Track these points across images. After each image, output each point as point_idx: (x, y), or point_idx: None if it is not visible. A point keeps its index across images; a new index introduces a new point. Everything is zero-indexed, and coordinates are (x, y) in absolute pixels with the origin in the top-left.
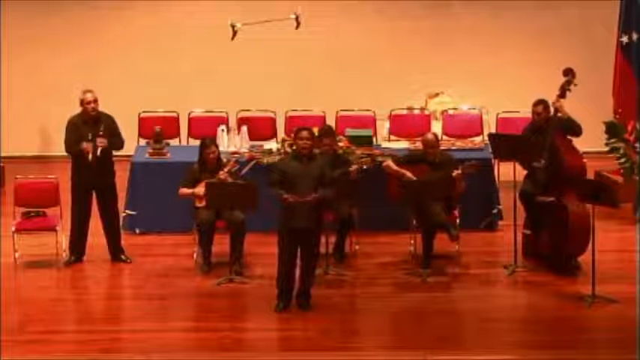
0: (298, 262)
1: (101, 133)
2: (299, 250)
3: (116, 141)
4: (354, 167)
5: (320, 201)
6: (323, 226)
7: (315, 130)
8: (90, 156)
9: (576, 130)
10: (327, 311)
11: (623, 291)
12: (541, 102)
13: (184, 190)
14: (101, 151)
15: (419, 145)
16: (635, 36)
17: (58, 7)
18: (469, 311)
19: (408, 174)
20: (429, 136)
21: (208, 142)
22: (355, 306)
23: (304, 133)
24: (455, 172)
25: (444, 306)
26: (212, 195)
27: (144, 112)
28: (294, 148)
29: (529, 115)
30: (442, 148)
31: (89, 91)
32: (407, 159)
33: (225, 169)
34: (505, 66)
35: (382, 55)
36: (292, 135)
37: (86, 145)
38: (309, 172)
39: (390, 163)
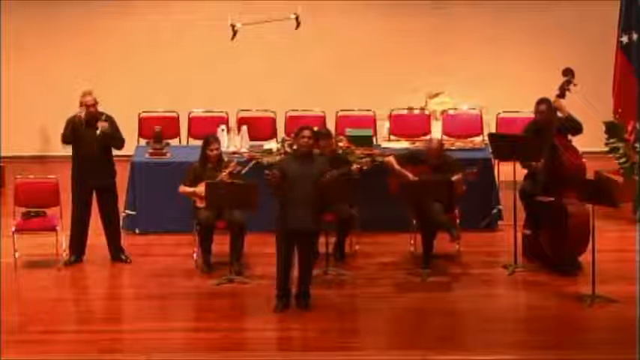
0: (296, 262)
1: (104, 118)
2: (296, 250)
3: (116, 142)
4: (355, 167)
5: (328, 182)
6: (321, 227)
7: (315, 129)
8: (99, 129)
9: (576, 129)
10: (326, 311)
11: (623, 291)
12: (544, 101)
13: (185, 189)
14: (102, 134)
15: (419, 145)
16: (635, 36)
17: (59, 8)
18: (469, 311)
19: (409, 175)
20: (434, 144)
21: (211, 139)
22: (355, 306)
23: (306, 132)
24: (455, 177)
25: (444, 306)
26: (212, 195)
27: (144, 112)
28: (294, 148)
29: (529, 115)
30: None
31: (89, 93)
32: (409, 158)
33: (227, 171)
34: (505, 66)
35: (382, 55)
36: (293, 135)
37: (80, 111)
38: (309, 172)
39: (391, 159)
